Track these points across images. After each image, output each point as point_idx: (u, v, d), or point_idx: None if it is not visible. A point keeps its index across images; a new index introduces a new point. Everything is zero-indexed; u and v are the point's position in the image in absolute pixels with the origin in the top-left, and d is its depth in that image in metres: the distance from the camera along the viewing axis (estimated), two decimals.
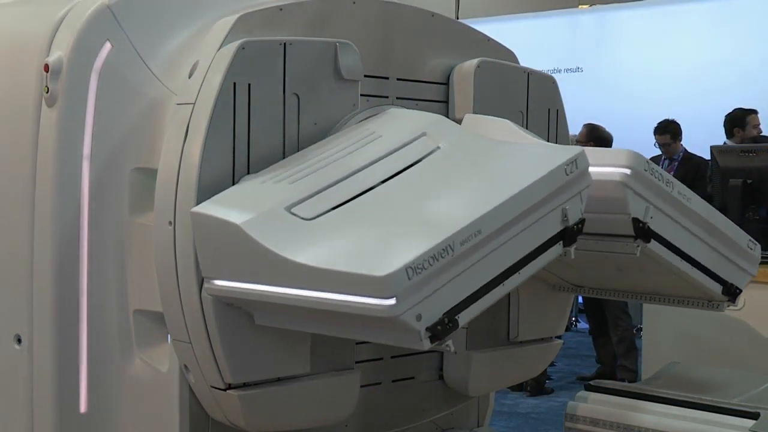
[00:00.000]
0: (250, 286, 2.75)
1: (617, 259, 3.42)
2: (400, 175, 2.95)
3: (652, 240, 3.25)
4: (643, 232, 3.22)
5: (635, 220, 3.20)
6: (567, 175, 2.88)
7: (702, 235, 3.43)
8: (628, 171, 3.16)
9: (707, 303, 3.65)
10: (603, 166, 3.16)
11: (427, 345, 2.54)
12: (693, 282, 3.47)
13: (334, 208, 2.80)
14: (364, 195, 2.86)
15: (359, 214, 2.78)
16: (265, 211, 2.74)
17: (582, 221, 2.96)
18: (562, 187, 2.88)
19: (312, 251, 2.61)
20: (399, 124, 3.17)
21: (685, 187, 3.37)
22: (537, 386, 7.75)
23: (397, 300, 2.45)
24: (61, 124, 3.11)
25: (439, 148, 3.07)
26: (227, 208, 2.79)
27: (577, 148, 2.99)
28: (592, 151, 3.07)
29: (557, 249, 2.91)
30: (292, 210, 2.78)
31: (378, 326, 2.58)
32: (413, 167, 2.99)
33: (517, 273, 2.79)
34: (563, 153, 2.96)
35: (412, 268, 2.46)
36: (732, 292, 3.58)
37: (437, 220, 2.70)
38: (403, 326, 2.50)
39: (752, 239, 3.65)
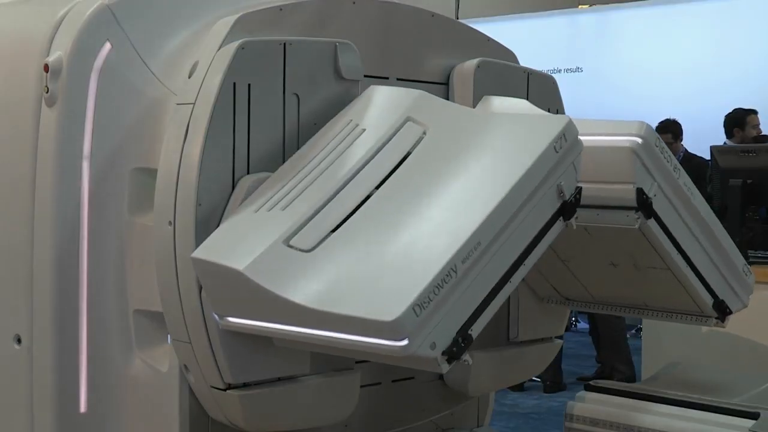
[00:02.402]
0: (263, 324, 2.75)
1: (612, 250, 3.38)
2: (391, 178, 2.89)
3: (652, 219, 3.19)
4: (645, 205, 3.15)
5: (639, 191, 3.13)
6: (557, 152, 2.81)
7: (700, 239, 3.39)
8: (639, 140, 3.11)
9: (696, 318, 3.58)
10: (614, 135, 3.12)
11: (445, 368, 2.54)
12: (685, 283, 3.40)
13: (332, 232, 2.76)
14: (359, 210, 2.81)
15: (358, 238, 2.73)
16: (264, 251, 2.70)
17: (579, 190, 2.90)
18: (554, 166, 2.81)
19: (318, 291, 2.58)
20: (381, 111, 3.10)
21: (691, 181, 3.32)
22: (554, 384, 7.76)
23: (409, 340, 2.44)
24: (61, 124, 3.11)
25: (425, 134, 3.00)
26: (226, 251, 2.76)
27: (564, 118, 2.91)
28: (604, 123, 3.02)
29: (558, 226, 2.87)
30: (291, 242, 2.73)
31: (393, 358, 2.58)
32: (403, 165, 2.92)
33: (522, 265, 2.76)
34: (550, 128, 2.85)
35: (419, 305, 2.43)
36: (722, 309, 3.51)
37: (435, 238, 2.64)
38: (419, 358, 2.50)
39: (747, 265, 3.59)
